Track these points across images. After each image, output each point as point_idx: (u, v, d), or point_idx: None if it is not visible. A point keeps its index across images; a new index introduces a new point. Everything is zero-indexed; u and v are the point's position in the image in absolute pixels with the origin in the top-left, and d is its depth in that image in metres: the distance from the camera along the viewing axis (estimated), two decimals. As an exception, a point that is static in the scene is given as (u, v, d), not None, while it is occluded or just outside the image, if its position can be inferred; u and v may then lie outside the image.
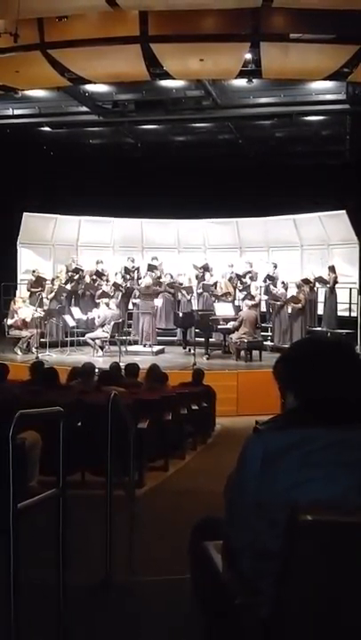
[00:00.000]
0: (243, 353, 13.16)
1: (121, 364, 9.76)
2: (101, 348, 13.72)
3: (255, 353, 13.22)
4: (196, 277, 15.55)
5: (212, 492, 4.56)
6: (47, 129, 14.66)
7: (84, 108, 13.31)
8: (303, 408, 1.67)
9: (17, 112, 13.78)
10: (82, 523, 3.74)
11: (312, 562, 1.45)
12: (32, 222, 15.96)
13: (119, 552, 3.30)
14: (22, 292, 15.10)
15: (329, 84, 11.80)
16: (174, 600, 2.93)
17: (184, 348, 14.48)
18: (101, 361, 12.66)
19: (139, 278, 15.38)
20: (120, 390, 6.56)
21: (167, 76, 10.83)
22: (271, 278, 14.84)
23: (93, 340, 13.73)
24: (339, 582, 1.48)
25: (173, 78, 11.19)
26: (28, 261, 15.95)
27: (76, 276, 15.37)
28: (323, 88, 12.13)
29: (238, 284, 15.26)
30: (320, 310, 14.66)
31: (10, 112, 13.75)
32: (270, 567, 1.50)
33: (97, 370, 8.21)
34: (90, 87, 12.09)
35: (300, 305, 13.83)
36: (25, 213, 15.57)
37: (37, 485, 4.81)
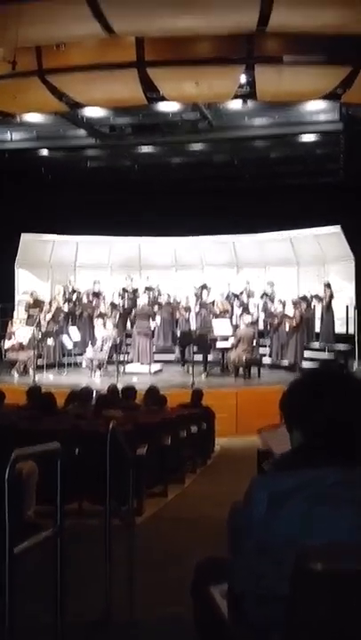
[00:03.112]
0: (241, 370, 13.17)
1: (119, 384, 9.75)
2: (99, 368, 13.71)
3: (254, 370, 13.23)
4: (195, 295, 15.61)
5: (212, 519, 4.54)
6: (45, 153, 14.77)
7: (82, 132, 13.42)
8: (309, 445, 1.63)
9: (15, 137, 13.87)
10: (80, 555, 3.71)
11: (320, 609, 1.39)
12: (30, 244, 16.04)
13: (118, 586, 3.27)
14: (20, 313, 15.11)
15: (323, 105, 11.90)
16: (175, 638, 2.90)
17: (182, 367, 14.48)
18: (99, 382, 12.67)
19: (137, 298, 15.42)
20: (118, 414, 6.56)
21: (163, 99, 10.92)
22: (268, 295, 14.92)
23: (91, 360, 13.72)
24: (348, 629, 1.43)
25: (169, 102, 11.30)
26: (26, 282, 16.00)
27: (74, 297, 15.40)
28: (317, 109, 12.23)
29: (236, 302, 15.32)
30: (317, 327, 14.71)
31: (8, 137, 13.85)
32: (277, 612, 1.46)
33: (94, 393, 8.19)
34: (87, 111, 12.19)
35: (294, 322, 13.88)
36: (23, 235, 15.64)
37: (34, 516, 4.78)
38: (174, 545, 4.56)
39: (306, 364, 13.69)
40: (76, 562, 3.26)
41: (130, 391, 8.44)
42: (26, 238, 15.76)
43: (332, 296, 14.17)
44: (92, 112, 12.26)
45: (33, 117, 12.56)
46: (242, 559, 1.63)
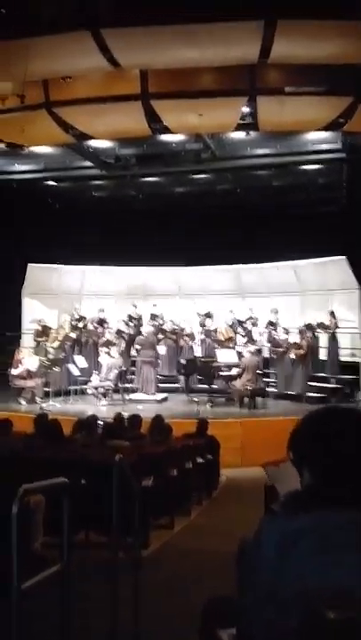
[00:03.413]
0: (246, 400, 13.08)
1: (124, 413, 9.71)
2: (104, 395, 13.67)
3: (259, 400, 13.14)
4: (200, 324, 15.62)
5: (219, 553, 4.46)
6: (52, 183, 14.99)
7: (88, 163, 13.63)
8: (318, 486, 1.60)
9: (23, 168, 14.10)
10: (86, 588, 3.65)
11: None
12: (37, 273, 16.14)
13: (124, 620, 3.21)
14: (27, 341, 15.16)
15: (325, 134, 12.04)
16: None
17: (187, 396, 14.41)
18: (105, 410, 12.62)
19: (141, 326, 15.43)
20: (124, 445, 6.52)
21: (167, 130, 11.09)
22: (273, 324, 14.88)
23: (96, 388, 13.68)
24: None
25: (173, 133, 11.46)
26: (33, 311, 16.05)
27: (80, 325, 15.45)
28: (319, 138, 12.37)
29: (239, 330, 15.30)
30: (322, 356, 14.64)
31: (16, 168, 14.08)
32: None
33: (100, 422, 8.15)
34: (93, 143, 12.40)
35: (302, 351, 13.80)
36: (30, 264, 15.76)
37: (41, 548, 4.72)
38: (181, 579, 4.49)
39: (312, 394, 13.61)
40: (82, 595, 3.20)
41: (135, 420, 8.38)
42: (33, 267, 15.87)
43: (337, 325, 14.13)
44: (98, 143, 12.47)
45: (40, 148, 12.80)
46: (250, 602, 1.59)
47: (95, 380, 13.91)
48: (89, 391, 14.03)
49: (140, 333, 14.97)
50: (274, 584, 1.49)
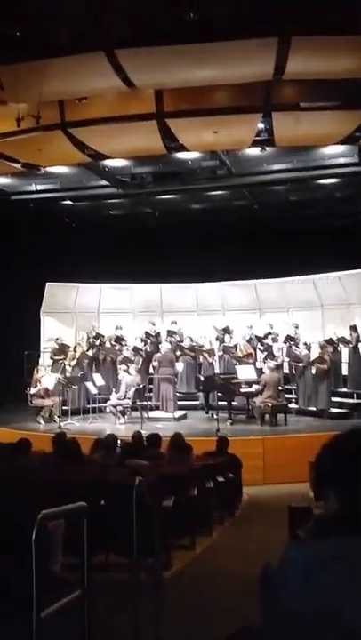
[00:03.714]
0: (267, 417, 12.93)
1: (143, 431, 9.66)
2: (123, 414, 13.61)
3: (280, 417, 12.97)
4: (217, 339, 15.53)
5: (242, 575, 4.36)
6: (69, 202, 15.07)
7: (104, 182, 13.71)
8: (346, 511, 1.53)
9: (40, 187, 14.24)
10: (107, 611, 3.57)
11: None
12: (55, 291, 16.26)
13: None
14: (45, 360, 15.21)
15: (341, 148, 12.01)
16: None
17: (206, 413, 14.31)
18: (123, 428, 12.57)
19: (159, 343, 15.38)
20: (143, 464, 6.44)
21: (183, 148, 11.13)
22: (292, 339, 14.73)
23: (115, 407, 13.64)
24: None
25: (189, 150, 11.49)
26: (51, 330, 16.13)
27: (97, 342, 15.46)
28: (335, 152, 12.34)
29: (259, 346, 15.18)
30: (344, 370, 14.46)
31: (33, 188, 14.22)
32: None
33: (119, 441, 8.10)
34: (109, 162, 12.47)
35: (325, 366, 13.62)
36: (48, 283, 15.85)
37: (60, 570, 4.65)
38: (203, 601, 4.39)
39: (333, 410, 13.43)
40: (103, 618, 3.13)
41: (155, 439, 8.31)
42: (51, 286, 15.98)
43: (358, 339, 13.96)
44: (114, 162, 12.54)
45: (56, 168, 12.91)
46: (275, 633, 1.53)
47: (113, 398, 13.88)
48: (107, 409, 13.99)
49: (157, 350, 14.93)
50: (300, 614, 1.42)
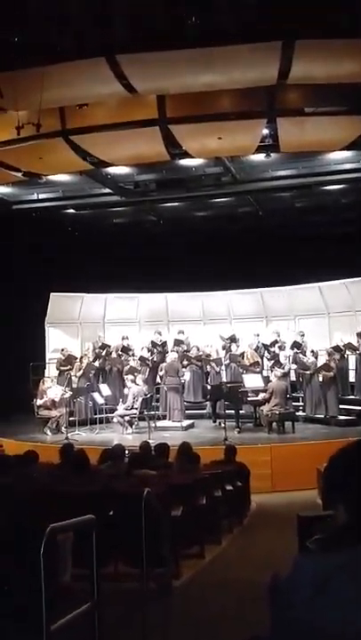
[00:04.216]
0: (275, 425, 12.82)
1: (151, 440, 9.56)
2: (130, 424, 13.51)
3: (288, 424, 12.86)
4: (223, 348, 15.42)
5: (252, 584, 4.25)
6: (71, 211, 15.01)
7: (107, 190, 13.63)
8: (355, 521, 1.49)
9: (42, 196, 14.19)
10: (116, 621, 3.47)
11: None
12: (59, 302, 16.18)
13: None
14: (51, 371, 15.13)
15: (347, 154, 11.92)
16: None
17: (214, 422, 14.19)
18: (131, 438, 12.47)
19: (166, 352, 15.28)
20: (151, 474, 6.35)
21: (186, 155, 11.06)
22: (299, 346, 14.61)
23: (122, 417, 13.54)
24: None
25: (192, 157, 11.43)
26: (56, 340, 16.04)
27: (103, 353, 15.37)
28: (340, 158, 12.26)
29: (266, 354, 15.07)
30: (351, 377, 14.32)
31: (35, 196, 14.17)
32: None
33: (127, 451, 8.01)
34: (111, 169, 12.41)
35: (331, 373, 13.49)
36: (52, 293, 15.78)
37: (70, 580, 4.54)
38: (213, 609, 4.30)
39: (341, 417, 13.30)
40: (113, 627, 3.04)
41: (162, 449, 8.21)
42: (55, 297, 15.90)
43: (365, 345, 13.84)
44: (116, 170, 12.48)
45: (58, 176, 12.85)
46: None
47: (121, 408, 13.78)
48: (115, 420, 13.89)
49: (164, 360, 14.83)
50: (309, 626, 1.39)
